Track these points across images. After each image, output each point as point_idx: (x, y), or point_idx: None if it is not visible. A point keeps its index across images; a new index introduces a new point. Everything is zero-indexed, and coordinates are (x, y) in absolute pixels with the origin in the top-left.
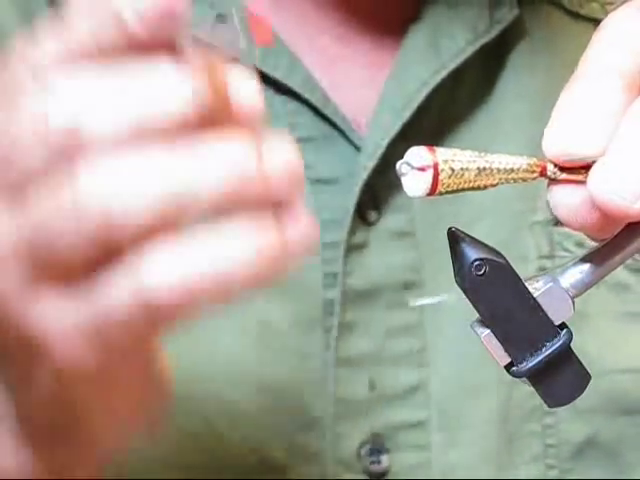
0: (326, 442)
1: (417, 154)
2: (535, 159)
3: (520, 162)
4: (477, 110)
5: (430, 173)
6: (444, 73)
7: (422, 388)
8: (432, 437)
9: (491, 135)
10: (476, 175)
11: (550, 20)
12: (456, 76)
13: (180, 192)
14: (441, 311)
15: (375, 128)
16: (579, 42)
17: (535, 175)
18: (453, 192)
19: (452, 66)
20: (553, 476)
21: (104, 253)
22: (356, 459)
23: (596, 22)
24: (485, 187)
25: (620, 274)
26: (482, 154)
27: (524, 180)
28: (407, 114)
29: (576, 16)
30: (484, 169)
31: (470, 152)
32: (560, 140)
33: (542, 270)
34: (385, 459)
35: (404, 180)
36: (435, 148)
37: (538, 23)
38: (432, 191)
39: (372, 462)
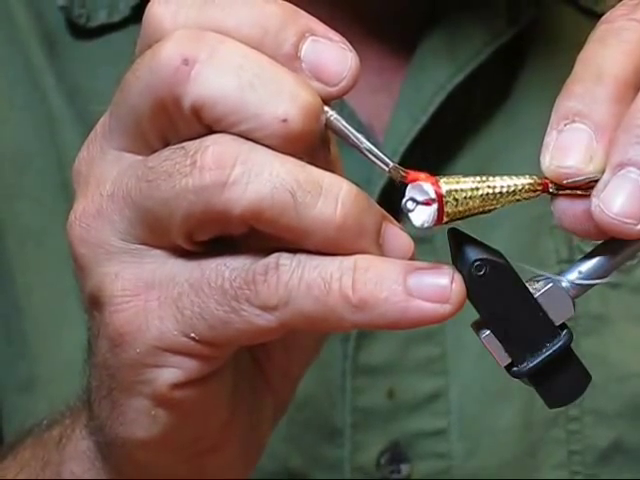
0: (345, 451)
1: (420, 189)
2: (536, 177)
3: (522, 182)
4: (494, 112)
5: (435, 207)
6: (462, 76)
7: (442, 396)
8: (452, 445)
9: (508, 138)
10: (480, 202)
11: (565, 19)
12: (473, 78)
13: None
14: (460, 317)
15: (392, 134)
16: None
17: (537, 193)
18: (459, 219)
19: (470, 68)
20: None
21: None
22: (375, 468)
23: None
24: (490, 211)
25: None
26: (484, 178)
27: (527, 199)
28: (424, 119)
29: (591, 14)
30: (487, 195)
31: (472, 178)
32: (558, 162)
33: None
34: (405, 468)
35: (410, 215)
36: (438, 179)
37: (553, 23)
38: (438, 222)
39: (392, 471)
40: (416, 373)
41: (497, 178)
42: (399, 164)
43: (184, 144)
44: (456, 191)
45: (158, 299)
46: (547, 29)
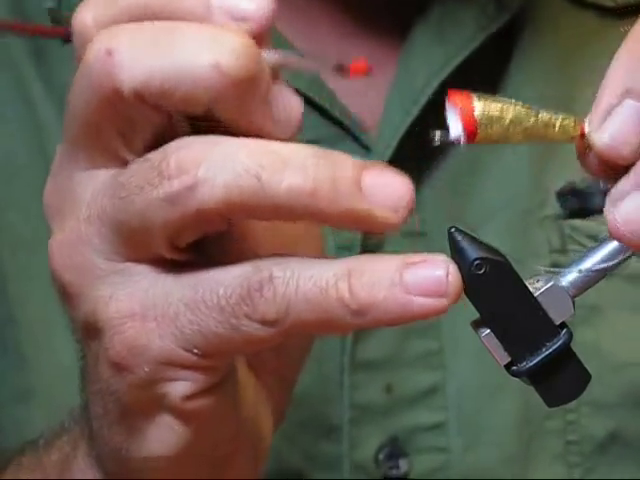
0: (343, 448)
1: (456, 111)
2: (574, 118)
3: (560, 117)
4: None
5: (465, 132)
6: (452, 65)
7: (439, 390)
8: (451, 439)
9: None
10: (514, 131)
11: (553, 6)
12: (464, 68)
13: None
14: (457, 311)
15: (385, 127)
16: (582, 28)
17: (574, 134)
18: (490, 141)
19: (460, 58)
20: (577, 475)
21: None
22: (374, 464)
23: (599, 9)
24: (521, 139)
25: (635, 265)
26: (523, 110)
27: (560, 137)
28: (416, 110)
29: (580, 2)
30: (521, 120)
31: (513, 107)
32: (605, 137)
33: (555, 265)
34: (403, 463)
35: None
36: (475, 102)
37: (542, 10)
38: (470, 139)
39: (391, 467)
40: (414, 367)
41: (539, 112)
42: (393, 156)
43: (149, 156)
44: (489, 114)
45: (155, 319)
46: (535, 18)
